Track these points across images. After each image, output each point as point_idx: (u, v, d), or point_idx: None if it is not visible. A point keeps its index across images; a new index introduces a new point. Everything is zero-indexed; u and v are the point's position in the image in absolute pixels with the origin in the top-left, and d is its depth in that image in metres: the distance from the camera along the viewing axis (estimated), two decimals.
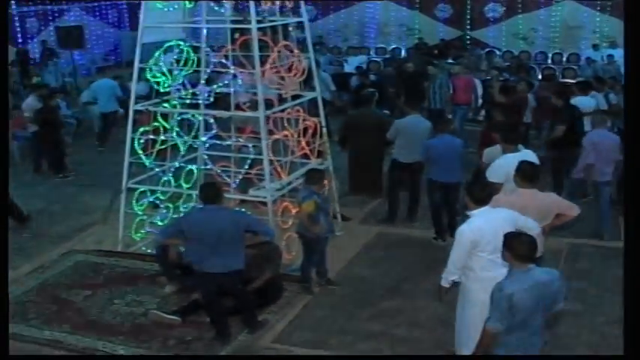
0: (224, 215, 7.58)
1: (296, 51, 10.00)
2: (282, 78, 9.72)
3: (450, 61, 19.60)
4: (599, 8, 23.69)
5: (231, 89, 9.59)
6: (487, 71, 18.98)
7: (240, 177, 9.69)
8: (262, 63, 9.23)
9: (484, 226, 6.65)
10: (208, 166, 9.83)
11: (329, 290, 9.03)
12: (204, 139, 9.84)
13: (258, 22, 9.33)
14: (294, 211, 9.61)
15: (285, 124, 9.84)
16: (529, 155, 8.38)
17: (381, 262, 9.92)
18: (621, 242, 9.40)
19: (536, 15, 24.46)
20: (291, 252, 9.55)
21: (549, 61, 23.30)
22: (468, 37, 25.36)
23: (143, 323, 8.15)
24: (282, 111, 9.73)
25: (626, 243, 6.17)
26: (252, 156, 9.63)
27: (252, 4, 9.01)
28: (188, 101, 9.54)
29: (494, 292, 5.86)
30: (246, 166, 9.69)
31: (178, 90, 9.64)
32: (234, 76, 9.45)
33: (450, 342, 7.59)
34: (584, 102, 12.53)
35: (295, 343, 7.83)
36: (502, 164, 8.23)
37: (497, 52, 23.86)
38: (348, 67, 20.97)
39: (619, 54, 20.72)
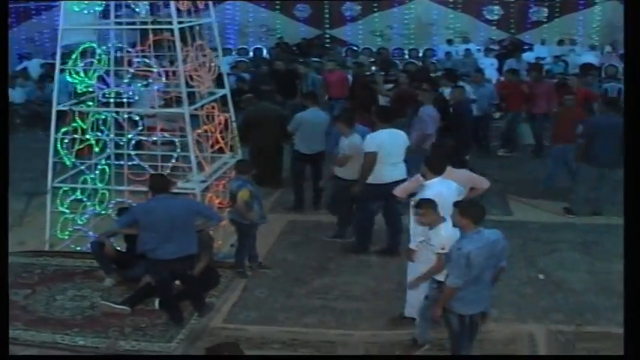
0: (175, 203, 7.97)
1: (208, 50, 10.42)
2: (199, 76, 10.10)
3: (316, 59, 20.50)
4: (451, 5, 25.18)
5: (155, 87, 9.88)
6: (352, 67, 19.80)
7: (167, 172, 9.99)
8: (172, 63, 9.64)
9: (443, 193, 7.49)
10: (135, 162, 10.06)
11: (261, 273, 9.55)
12: (129, 136, 10.08)
13: (170, 22, 9.72)
14: (216, 201, 10.06)
15: (205, 120, 10.22)
16: (397, 133, 9.98)
17: (301, 246, 10.52)
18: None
19: (391, 13, 25.67)
20: (217, 241, 9.95)
21: (406, 56, 24.47)
22: (327, 35, 26.20)
23: (94, 315, 8.40)
24: (202, 107, 10.11)
25: (626, 243, 6.13)
26: (178, 151, 9.98)
27: (172, 5, 9.38)
28: (112, 100, 9.76)
29: (452, 251, 6.66)
30: (173, 160, 10.00)
31: (101, 89, 9.84)
32: (159, 74, 9.76)
33: (389, 311, 8.35)
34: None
35: (245, 321, 8.31)
36: (375, 136, 9.76)
37: (356, 49, 24.78)
38: None
39: (473, 48, 22.38)
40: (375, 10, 25.66)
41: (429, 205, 7.19)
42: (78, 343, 7.81)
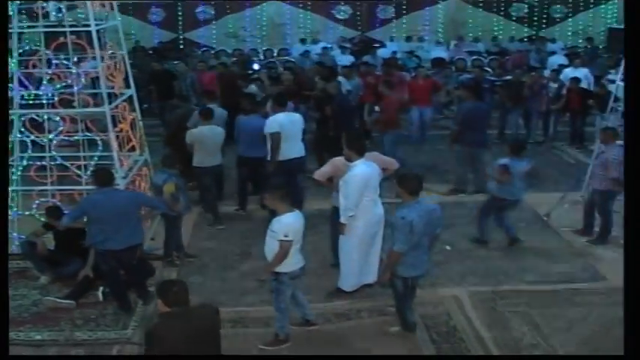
0: (121, 195, 8.31)
1: (118, 52, 10.71)
2: (113, 76, 10.37)
3: (175, 62, 20.87)
4: (301, 6, 26.06)
5: (75, 88, 10.06)
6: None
7: (91, 170, 10.16)
8: (77, 63, 9.91)
9: (369, 172, 8.24)
10: (58, 162, 10.18)
11: (189, 262, 9.97)
12: (51, 136, 10.18)
13: (73, 25, 9.98)
14: None
15: (120, 119, 10.48)
16: (294, 115, 11.63)
17: (219, 235, 11.00)
18: None
19: (244, 15, 26.27)
20: None
21: (261, 56, 25.09)
22: (182, 38, 26.46)
23: (40, 311, 8.57)
24: (117, 107, 10.37)
25: (627, 245, 6.09)
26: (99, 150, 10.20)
27: (89, 6, 9.63)
28: (31, 102, 9.87)
29: (397, 220, 7.45)
30: (96, 158, 10.19)
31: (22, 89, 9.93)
32: (78, 75, 9.95)
33: (320, 285, 9.02)
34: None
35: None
36: (275, 119, 11.09)
37: (212, 51, 25.15)
38: None
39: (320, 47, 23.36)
40: (229, 12, 26.16)
41: (274, 193, 7.59)
42: (34, 338, 7.99)
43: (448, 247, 10.45)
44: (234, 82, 16.08)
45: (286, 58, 23.49)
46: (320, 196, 11.36)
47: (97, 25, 9.83)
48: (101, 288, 8.85)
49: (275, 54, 25.28)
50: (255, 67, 20.36)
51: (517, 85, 16.62)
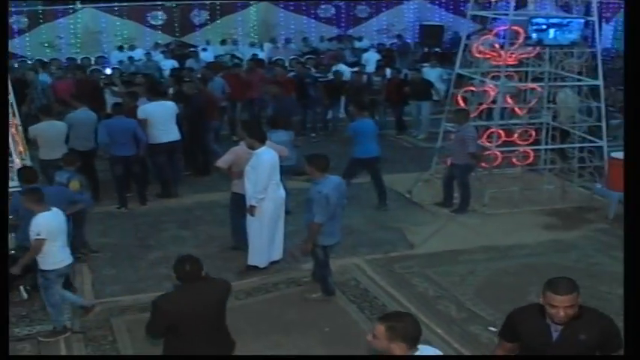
0: (49, 192, 8.47)
1: None
2: None
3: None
4: (116, 13, 26.02)
5: None
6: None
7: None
8: None
9: (274, 158, 9.21)
10: None
11: (94, 257, 10.22)
12: None
13: None
14: None
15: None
16: (165, 104, 12.89)
17: (111, 231, 11.27)
18: None
19: (59, 23, 25.83)
20: None
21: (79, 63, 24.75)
22: None
23: None
24: None
25: (626, 244, 5.96)
26: None
27: None
28: None
29: (314, 195, 8.30)
30: None
31: None
32: None
33: (227, 267, 9.67)
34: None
35: (115, 294, 9.13)
36: (144, 108, 12.53)
37: (29, 62, 24.43)
38: None
39: (140, 53, 23.56)
40: (41, 21, 25.64)
41: (30, 196, 7.76)
42: None
43: None
44: (95, 87, 16.25)
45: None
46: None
47: None
48: (21, 287, 8.94)
49: (93, 62, 25.04)
50: (108, 71, 20.33)
51: (337, 82, 17.86)
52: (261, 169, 9.21)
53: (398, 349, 4.36)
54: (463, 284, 9.34)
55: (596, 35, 12.79)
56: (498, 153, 12.18)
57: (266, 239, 9.56)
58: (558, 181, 12.66)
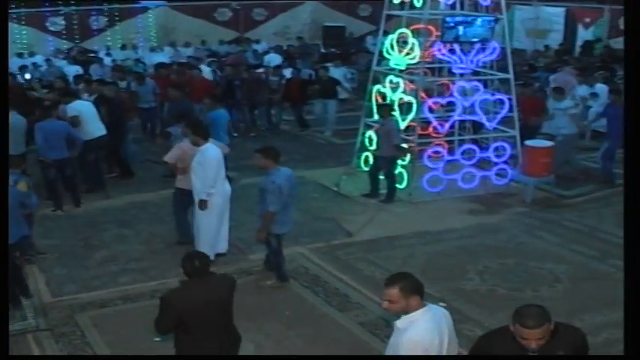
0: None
1: None
2: None
3: None
4: (15, 20, 25.49)
5: None
6: None
7: None
8: None
9: (220, 153, 9.67)
10: None
11: (43, 258, 10.25)
12: None
13: None
14: None
15: None
16: (86, 103, 13.48)
17: (52, 233, 11.24)
18: None
19: None
20: None
21: None
22: None
23: None
24: None
25: (626, 244, 5.92)
26: None
27: None
28: None
29: (268, 185, 8.75)
30: None
31: None
32: None
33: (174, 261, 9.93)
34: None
35: (73, 292, 9.23)
36: (73, 106, 12.97)
37: None
38: None
39: (40, 59, 23.30)
40: None
41: None
42: None
43: None
44: (22, 92, 16.21)
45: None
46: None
47: None
48: None
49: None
50: (27, 76, 20.04)
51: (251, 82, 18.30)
52: (208, 164, 9.55)
53: (415, 302, 4.86)
54: (406, 266, 9.84)
55: (506, 32, 13.62)
56: (413, 145, 12.82)
57: (214, 233, 9.88)
58: (477, 170, 13.38)
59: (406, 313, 4.91)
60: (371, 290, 9.15)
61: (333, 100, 17.98)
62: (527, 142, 12.98)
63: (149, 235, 11.17)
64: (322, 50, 27.53)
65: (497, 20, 13.15)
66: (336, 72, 19.79)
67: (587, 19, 26.35)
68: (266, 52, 24.90)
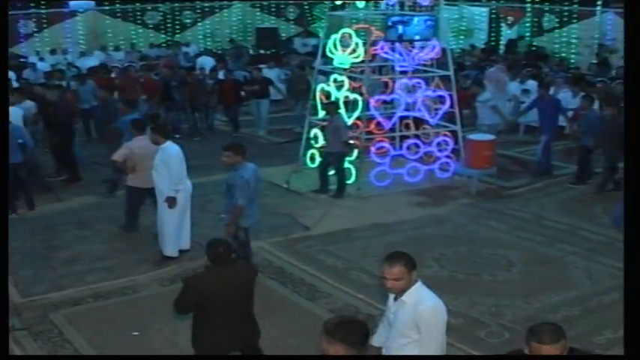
0: None
1: None
2: None
3: None
4: None
5: None
6: None
7: None
8: None
9: (180, 151, 10.01)
10: None
11: None
12: None
13: None
14: None
15: None
16: (15, 109, 13.08)
17: (11, 236, 10.85)
18: None
19: None
20: None
21: None
22: None
23: None
24: None
25: (626, 245, 5.86)
26: None
27: None
28: None
29: (236, 180, 9.02)
30: None
31: None
32: None
33: (141, 259, 10.19)
34: None
35: (42, 292, 9.31)
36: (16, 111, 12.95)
37: None
38: None
39: None
40: None
41: None
42: None
43: (223, 216, 11.93)
44: None
45: None
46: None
47: None
48: None
49: None
50: None
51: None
52: (172, 162, 9.78)
53: (414, 276, 5.18)
54: (366, 257, 10.26)
55: (444, 32, 14.16)
56: (359, 142, 13.25)
57: (178, 229, 10.10)
58: (421, 164, 13.85)
59: (405, 289, 5.19)
60: (336, 279, 9.53)
61: (266, 100, 18.31)
62: (470, 136, 13.53)
63: (109, 234, 11.28)
64: (251, 52, 27.82)
65: (435, 19, 13.63)
66: (271, 73, 20.16)
67: (511, 18, 27.25)
68: (198, 55, 25.02)
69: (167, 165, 9.80)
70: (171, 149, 9.87)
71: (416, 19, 13.29)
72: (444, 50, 13.95)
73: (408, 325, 5.14)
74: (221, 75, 19.81)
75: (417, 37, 13.42)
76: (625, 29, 7.44)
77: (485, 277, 9.62)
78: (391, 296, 5.34)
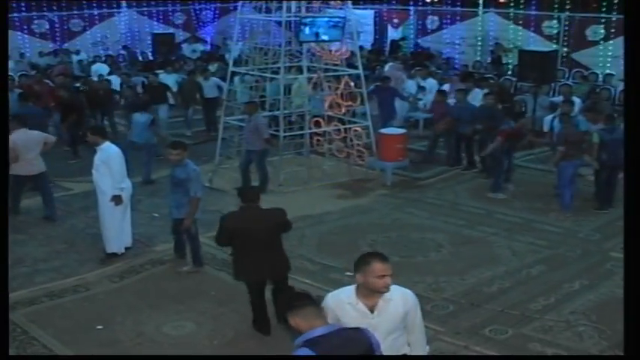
0: None
1: None
2: None
3: None
4: None
5: None
6: None
7: None
8: None
9: (119, 150, 10.36)
10: None
11: None
12: None
13: None
14: None
15: None
16: None
17: None
18: None
19: None
20: None
21: None
22: None
23: None
24: None
25: (626, 246, 5.84)
26: None
27: None
28: None
29: (190, 174, 9.61)
30: None
31: None
32: None
33: (87, 257, 10.48)
34: None
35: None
36: None
37: None
38: None
39: None
40: None
41: None
42: None
43: (156, 215, 12.27)
44: None
45: None
46: None
47: None
48: None
49: None
50: None
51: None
52: (113, 162, 10.12)
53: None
54: (303, 245, 10.81)
55: (354, 33, 14.88)
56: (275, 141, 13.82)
57: (120, 227, 10.39)
58: (337, 159, 14.51)
59: None
60: None
61: (164, 105, 18.48)
62: (382, 130, 14.30)
63: (45, 237, 11.37)
64: (140, 58, 27.91)
65: (344, 21, 14.28)
66: (169, 78, 20.27)
67: (396, 20, 28.37)
68: (92, 63, 24.93)
69: (108, 165, 10.10)
70: (110, 149, 10.19)
71: (325, 20, 13.91)
72: (352, 51, 14.66)
73: (399, 319, 5.19)
74: (115, 80, 19.94)
75: (327, 38, 14.01)
76: (625, 27, 7.39)
77: (419, 259, 10.36)
78: (360, 307, 5.13)
